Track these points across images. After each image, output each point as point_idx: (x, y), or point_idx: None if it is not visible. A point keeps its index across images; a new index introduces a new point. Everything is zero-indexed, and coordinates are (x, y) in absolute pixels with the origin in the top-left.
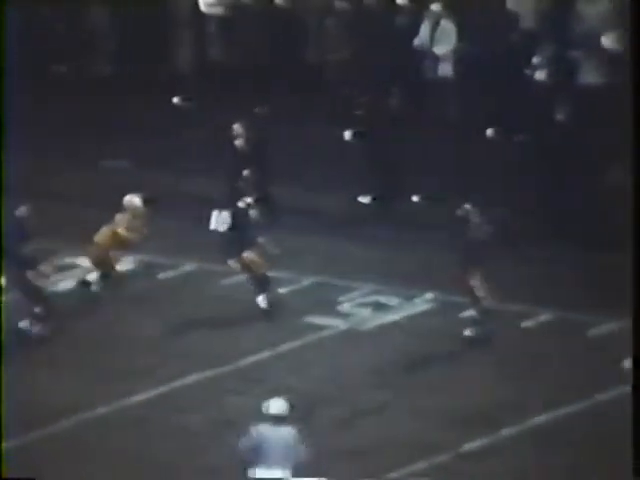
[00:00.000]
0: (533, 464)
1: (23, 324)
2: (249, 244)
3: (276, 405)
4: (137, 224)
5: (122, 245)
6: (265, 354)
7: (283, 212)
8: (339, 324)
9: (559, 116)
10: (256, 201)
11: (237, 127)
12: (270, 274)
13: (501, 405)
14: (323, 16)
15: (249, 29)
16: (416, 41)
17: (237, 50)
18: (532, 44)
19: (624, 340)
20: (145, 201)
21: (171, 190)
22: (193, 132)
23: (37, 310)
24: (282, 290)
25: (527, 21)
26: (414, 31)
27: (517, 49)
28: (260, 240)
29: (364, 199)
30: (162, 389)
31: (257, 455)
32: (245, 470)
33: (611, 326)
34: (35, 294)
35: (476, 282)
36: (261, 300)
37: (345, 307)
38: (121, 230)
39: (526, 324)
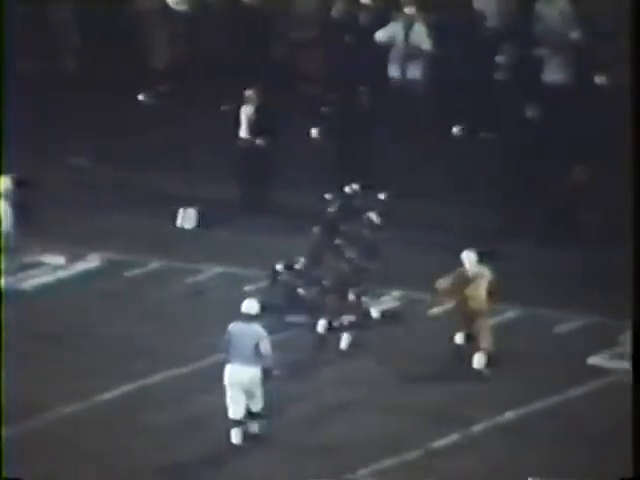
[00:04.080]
0: (504, 460)
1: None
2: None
3: (248, 304)
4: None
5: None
6: None
7: (251, 208)
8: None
9: (525, 113)
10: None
11: (249, 93)
12: (239, 271)
13: (471, 402)
14: (290, 13)
15: (216, 26)
16: (385, 38)
17: (204, 47)
18: (498, 43)
19: (589, 336)
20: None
21: (137, 187)
22: (160, 129)
23: None
24: (249, 287)
25: (493, 20)
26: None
27: (483, 48)
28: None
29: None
30: (128, 387)
31: (229, 352)
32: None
33: (577, 323)
34: None
35: None
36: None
37: None
38: (492, 282)
39: (494, 321)
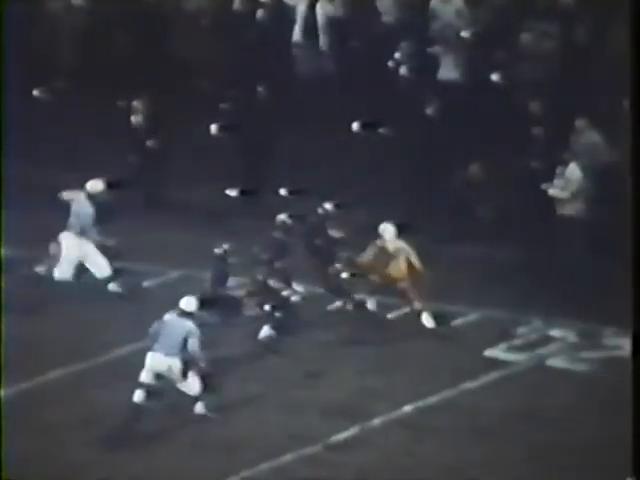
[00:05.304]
0: (402, 454)
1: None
2: None
3: (186, 301)
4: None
5: (417, 274)
6: (132, 347)
7: (151, 205)
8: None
9: (424, 110)
10: None
11: (136, 103)
12: (137, 267)
13: (369, 395)
14: (188, 10)
15: (113, 22)
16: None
17: (100, 43)
18: (395, 38)
19: (486, 329)
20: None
21: (31, 183)
22: (54, 125)
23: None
24: (148, 283)
25: (389, 16)
26: (279, 26)
27: (382, 43)
28: None
29: (232, 192)
30: (24, 385)
31: (156, 340)
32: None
33: (473, 316)
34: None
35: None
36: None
37: None
38: (413, 259)
39: (392, 315)
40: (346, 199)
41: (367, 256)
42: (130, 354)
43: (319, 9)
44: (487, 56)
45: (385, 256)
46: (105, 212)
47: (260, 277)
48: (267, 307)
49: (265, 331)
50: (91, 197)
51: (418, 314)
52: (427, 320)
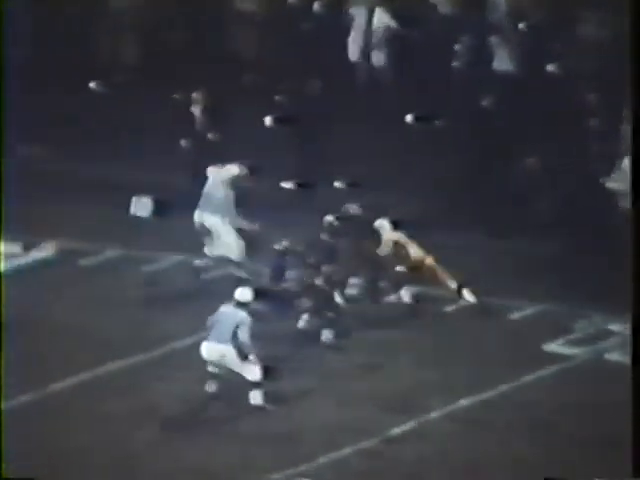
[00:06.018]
0: (459, 448)
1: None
2: None
3: (241, 292)
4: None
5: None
6: (190, 340)
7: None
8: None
9: (480, 102)
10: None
11: (196, 95)
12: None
13: (427, 389)
14: (244, 4)
15: (167, 16)
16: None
17: (156, 39)
18: (453, 31)
19: (545, 323)
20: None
21: (91, 175)
22: (110, 117)
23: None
24: (206, 276)
25: (445, 8)
26: (335, 18)
27: (439, 36)
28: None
29: (287, 185)
30: (83, 376)
31: (211, 329)
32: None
33: (532, 310)
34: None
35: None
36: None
37: None
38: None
39: (449, 309)
40: (399, 191)
41: (385, 251)
42: (190, 346)
43: (376, 21)
44: (543, 47)
45: (399, 248)
46: (243, 197)
47: (308, 279)
48: (320, 305)
49: (326, 335)
50: (228, 181)
51: (458, 291)
52: (468, 295)
